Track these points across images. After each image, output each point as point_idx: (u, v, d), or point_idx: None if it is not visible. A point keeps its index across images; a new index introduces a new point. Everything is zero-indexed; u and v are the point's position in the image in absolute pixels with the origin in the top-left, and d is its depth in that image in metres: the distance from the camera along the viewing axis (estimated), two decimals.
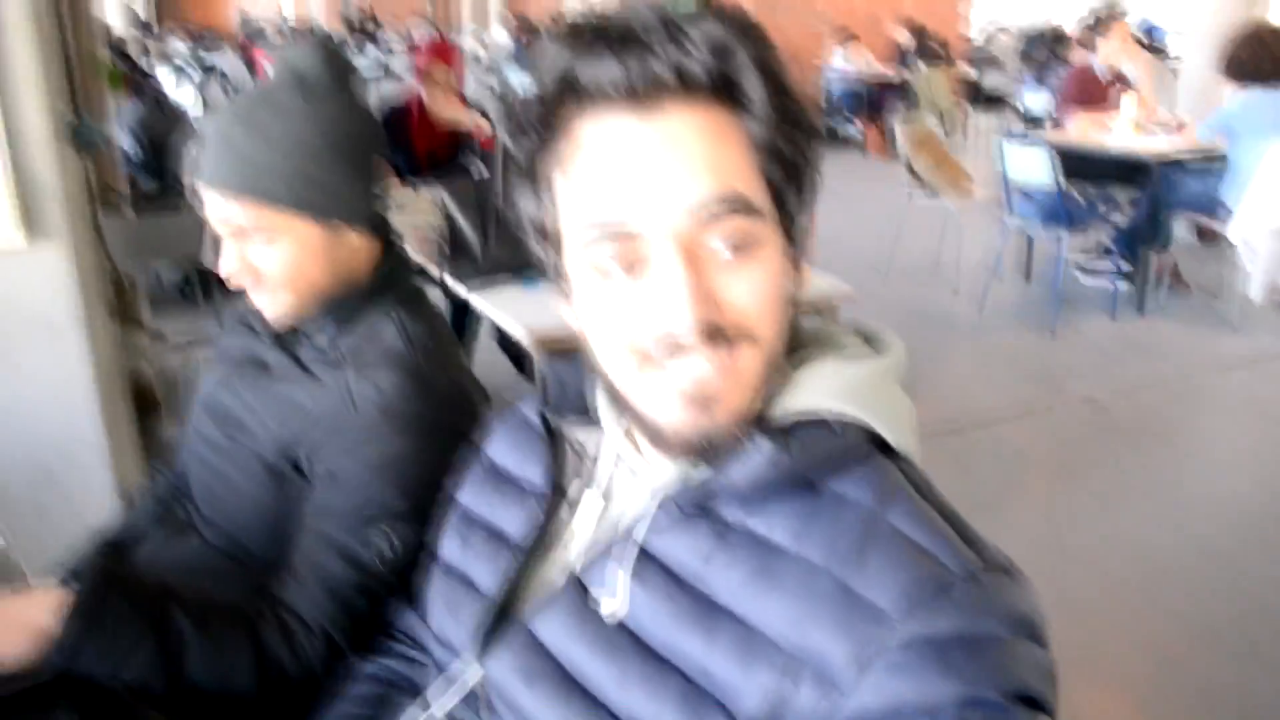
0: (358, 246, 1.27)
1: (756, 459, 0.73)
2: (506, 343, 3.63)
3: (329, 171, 1.20)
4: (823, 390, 0.75)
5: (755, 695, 0.68)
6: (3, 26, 1.88)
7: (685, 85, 0.71)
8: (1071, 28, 14.14)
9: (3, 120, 1.89)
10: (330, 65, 1.23)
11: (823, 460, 0.74)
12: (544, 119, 0.74)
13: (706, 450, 0.74)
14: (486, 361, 3.86)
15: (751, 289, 0.72)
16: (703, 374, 0.71)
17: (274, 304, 1.24)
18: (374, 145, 1.26)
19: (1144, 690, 2.36)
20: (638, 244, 0.71)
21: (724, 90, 0.72)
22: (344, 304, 1.25)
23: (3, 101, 1.89)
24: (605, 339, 0.75)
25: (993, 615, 0.66)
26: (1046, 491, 3.35)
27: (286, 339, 1.28)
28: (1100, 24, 5.75)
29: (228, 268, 1.20)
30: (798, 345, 0.80)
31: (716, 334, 0.70)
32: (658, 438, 0.76)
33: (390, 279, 1.29)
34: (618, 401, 0.79)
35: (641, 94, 0.70)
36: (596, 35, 0.71)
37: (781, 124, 0.73)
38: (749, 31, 0.72)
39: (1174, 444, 3.77)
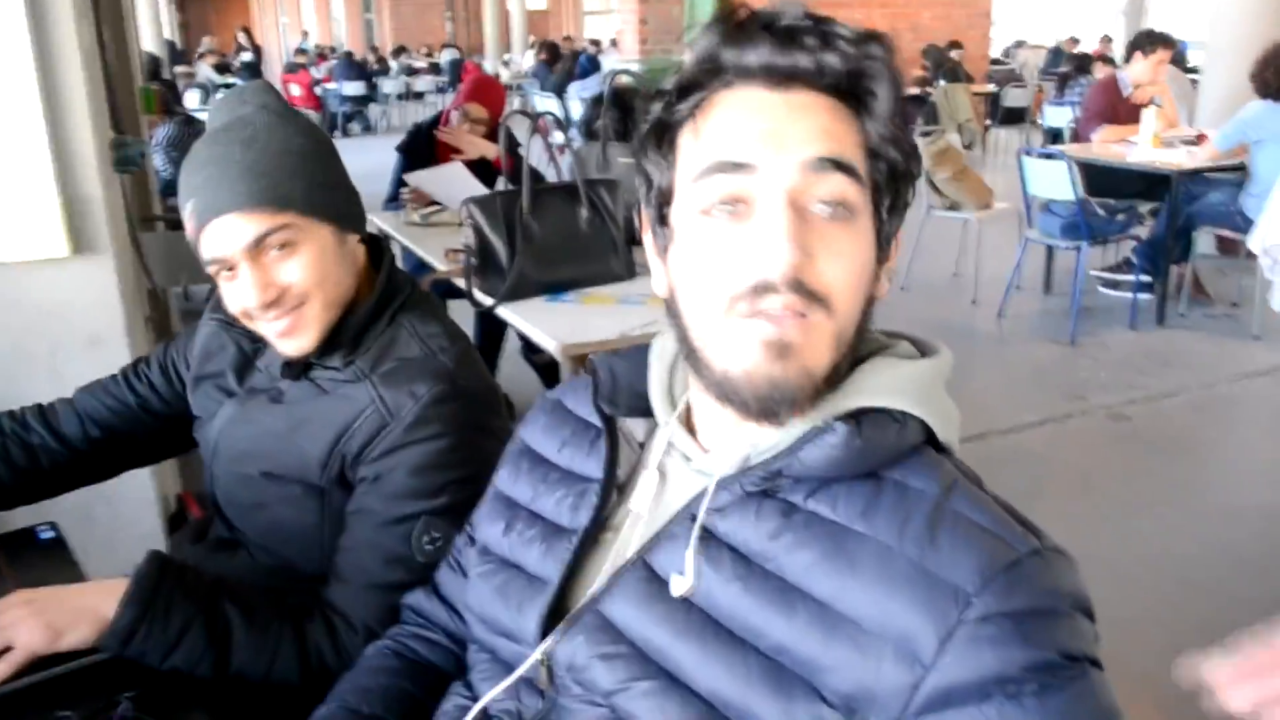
0: (359, 254, 1.29)
1: (831, 440, 0.75)
2: (532, 356, 3.68)
3: (327, 173, 1.22)
4: (885, 386, 0.79)
5: (839, 672, 0.71)
6: (53, 55, 1.96)
7: (820, 76, 0.76)
8: (1095, 45, 14.07)
9: (53, 139, 1.97)
10: (276, 94, 1.26)
11: (889, 448, 0.77)
12: (683, 89, 0.79)
13: (774, 403, 0.75)
14: (513, 375, 3.91)
15: (840, 256, 0.75)
16: (783, 321, 0.73)
17: (299, 322, 1.21)
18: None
19: (1171, 699, 2.34)
20: (750, 183, 0.75)
21: (851, 89, 0.77)
22: (350, 325, 1.25)
23: (54, 122, 1.97)
24: (698, 283, 0.77)
25: (1057, 591, 0.72)
26: (1069, 500, 3.35)
27: (296, 369, 1.28)
28: (1146, 47, 5.65)
29: (246, 295, 1.17)
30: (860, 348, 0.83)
31: (801, 288, 0.73)
32: (729, 390, 0.77)
33: (390, 289, 1.29)
34: (692, 355, 0.80)
35: (780, 75, 0.76)
36: (749, 22, 0.76)
37: (895, 131, 0.78)
38: (885, 41, 0.77)
39: (1197, 453, 3.77)
